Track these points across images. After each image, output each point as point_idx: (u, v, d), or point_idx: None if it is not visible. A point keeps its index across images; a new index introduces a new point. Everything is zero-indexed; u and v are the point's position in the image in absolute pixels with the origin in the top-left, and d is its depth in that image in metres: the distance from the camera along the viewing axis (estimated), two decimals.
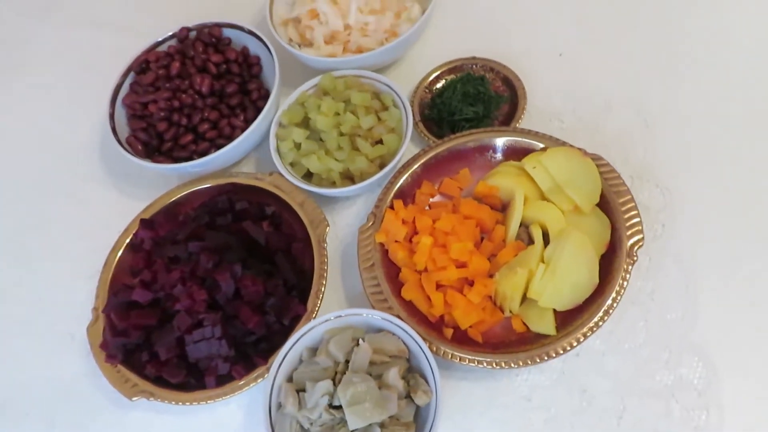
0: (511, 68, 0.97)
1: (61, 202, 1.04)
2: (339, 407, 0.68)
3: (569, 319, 0.73)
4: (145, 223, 0.88)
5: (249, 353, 0.78)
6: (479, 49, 1.00)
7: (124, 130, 0.99)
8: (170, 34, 1.04)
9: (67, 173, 1.07)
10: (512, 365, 0.71)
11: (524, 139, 0.85)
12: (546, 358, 0.70)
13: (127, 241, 0.90)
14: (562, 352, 0.70)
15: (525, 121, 0.92)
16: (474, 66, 0.99)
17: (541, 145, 0.83)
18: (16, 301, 0.95)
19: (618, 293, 0.72)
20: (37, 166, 1.09)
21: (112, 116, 0.98)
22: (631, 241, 0.74)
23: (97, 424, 0.83)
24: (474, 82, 0.95)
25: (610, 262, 0.74)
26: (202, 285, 0.79)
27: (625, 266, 0.73)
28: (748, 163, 0.84)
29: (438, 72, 0.99)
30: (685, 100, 0.91)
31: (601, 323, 0.71)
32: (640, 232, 0.75)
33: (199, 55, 1.00)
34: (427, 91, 0.99)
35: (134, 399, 0.77)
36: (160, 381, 0.78)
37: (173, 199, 0.93)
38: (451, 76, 0.99)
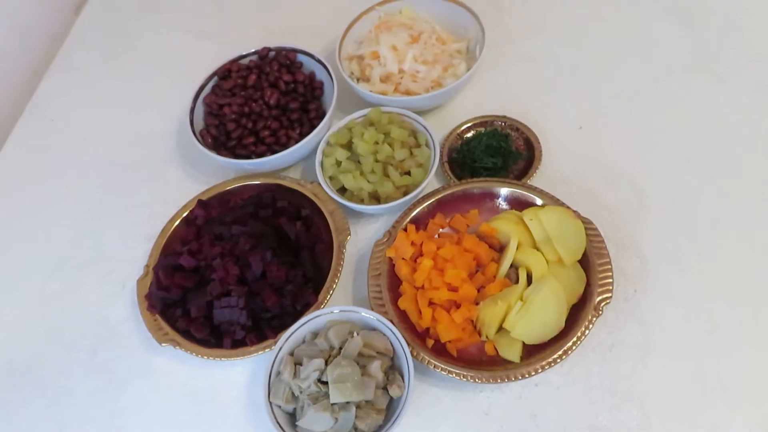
0: (534, 131, 1.03)
1: (137, 174, 1.15)
2: (326, 383, 0.77)
3: (534, 352, 0.81)
4: (201, 204, 0.99)
5: (263, 327, 0.86)
6: (510, 109, 1.07)
7: (199, 124, 1.09)
8: (253, 50, 1.13)
9: (146, 152, 1.17)
10: (476, 380, 0.79)
11: (529, 194, 0.92)
12: (506, 380, 0.78)
13: (184, 215, 1.00)
14: (520, 377, 0.78)
15: (536, 179, 0.98)
16: (503, 124, 1.05)
17: (541, 202, 0.91)
18: (84, 248, 1.06)
19: (579, 338, 0.79)
20: (124, 142, 1.20)
21: (192, 110, 1.09)
22: (600, 297, 0.82)
23: (130, 360, 0.92)
24: (498, 137, 1.02)
25: (578, 312, 0.82)
26: (237, 262, 0.88)
27: (590, 317, 0.81)
28: (722, 254, 0.90)
29: (470, 123, 1.06)
30: (676, 188, 0.97)
31: (559, 360, 0.79)
32: (610, 291, 0.82)
33: (273, 73, 1.10)
34: (458, 137, 1.05)
35: (163, 344, 0.87)
36: (186, 334, 0.88)
37: (227, 188, 1.02)
38: (481, 129, 1.05)
